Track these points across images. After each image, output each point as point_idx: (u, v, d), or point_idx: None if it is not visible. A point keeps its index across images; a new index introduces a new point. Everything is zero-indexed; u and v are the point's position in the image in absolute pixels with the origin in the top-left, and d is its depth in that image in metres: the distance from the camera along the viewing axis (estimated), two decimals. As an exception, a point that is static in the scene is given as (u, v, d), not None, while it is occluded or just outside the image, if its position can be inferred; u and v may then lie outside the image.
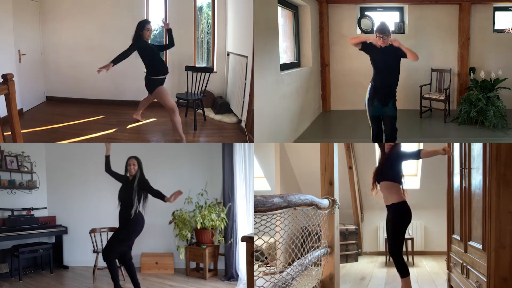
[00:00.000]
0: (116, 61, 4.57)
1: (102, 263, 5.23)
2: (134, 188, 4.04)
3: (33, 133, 5.19)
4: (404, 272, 3.63)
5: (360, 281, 4.76)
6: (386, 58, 3.95)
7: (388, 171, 3.69)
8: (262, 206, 2.08)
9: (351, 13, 6.94)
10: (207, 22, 6.93)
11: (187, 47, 6.77)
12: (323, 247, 3.45)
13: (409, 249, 5.71)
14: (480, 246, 2.84)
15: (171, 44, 5.19)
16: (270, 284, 2.33)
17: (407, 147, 5.74)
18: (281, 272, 2.75)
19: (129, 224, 4.04)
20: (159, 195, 4.07)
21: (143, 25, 4.76)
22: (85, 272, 5.41)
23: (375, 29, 4.05)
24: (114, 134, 5.27)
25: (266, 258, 4.88)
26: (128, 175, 4.16)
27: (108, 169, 4.28)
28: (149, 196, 4.14)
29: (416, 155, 3.69)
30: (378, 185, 3.75)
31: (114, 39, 6.45)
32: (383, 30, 3.90)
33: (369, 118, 4.19)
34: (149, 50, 4.82)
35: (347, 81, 7.00)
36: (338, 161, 3.69)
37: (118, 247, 4.07)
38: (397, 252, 3.65)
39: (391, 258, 5.55)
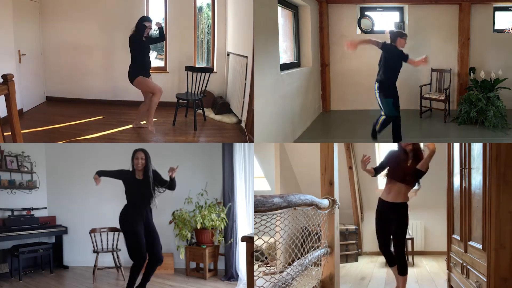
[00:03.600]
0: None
1: (102, 263, 5.26)
2: (152, 188, 4.00)
3: (33, 133, 5.19)
4: (405, 270, 3.72)
5: (360, 281, 4.76)
6: (401, 60, 4.46)
7: (417, 175, 3.70)
8: (262, 206, 2.08)
9: (351, 13, 6.94)
10: (207, 22, 6.92)
11: (187, 47, 6.77)
12: (323, 247, 3.45)
13: (409, 249, 5.70)
14: (480, 246, 2.84)
15: (161, 38, 5.42)
16: (270, 284, 2.33)
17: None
18: (281, 272, 2.76)
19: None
20: (165, 183, 4.06)
21: (145, 20, 5.00)
22: (85, 272, 5.41)
23: (398, 34, 4.46)
24: (114, 134, 5.27)
25: (266, 258, 4.89)
26: (133, 169, 4.00)
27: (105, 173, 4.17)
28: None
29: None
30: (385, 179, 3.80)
31: (114, 39, 6.47)
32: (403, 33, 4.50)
33: None
34: (144, 49, 5.06)
35: (347, 81, 7.01)
36: (338, 161, 3.68)
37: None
38: (402, 250, 3.74)
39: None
